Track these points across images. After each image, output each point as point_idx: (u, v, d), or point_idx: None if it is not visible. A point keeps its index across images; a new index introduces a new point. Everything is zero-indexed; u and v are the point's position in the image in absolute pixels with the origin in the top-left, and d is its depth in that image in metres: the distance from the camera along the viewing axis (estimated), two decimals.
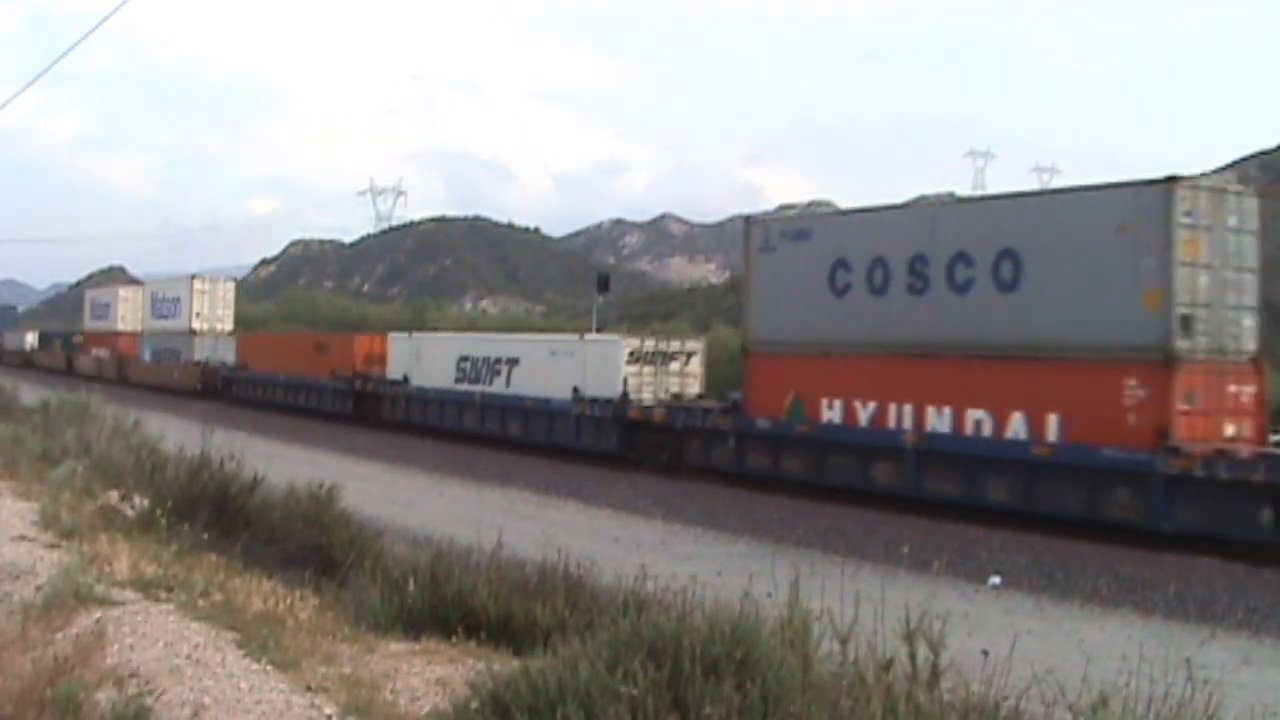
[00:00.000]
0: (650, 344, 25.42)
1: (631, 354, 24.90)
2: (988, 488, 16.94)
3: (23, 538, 10.29)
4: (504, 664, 5.87)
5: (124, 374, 52.47)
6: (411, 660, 6.58)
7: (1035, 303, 16.48)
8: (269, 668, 6.30)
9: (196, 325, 48.09)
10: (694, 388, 25.44)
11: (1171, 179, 15.24)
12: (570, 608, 7.12)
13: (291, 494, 11.59)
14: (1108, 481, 15.49)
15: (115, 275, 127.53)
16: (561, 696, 4.71)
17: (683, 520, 16.74)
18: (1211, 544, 14.42)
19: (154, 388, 46.73)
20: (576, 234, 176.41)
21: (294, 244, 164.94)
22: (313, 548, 10.60)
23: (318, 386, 36.62)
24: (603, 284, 35.37)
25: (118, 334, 55.74)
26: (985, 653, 4.73)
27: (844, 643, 5.14)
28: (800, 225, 21.67)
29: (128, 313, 55.96)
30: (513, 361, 28.00)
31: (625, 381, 24.46)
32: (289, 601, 8.27)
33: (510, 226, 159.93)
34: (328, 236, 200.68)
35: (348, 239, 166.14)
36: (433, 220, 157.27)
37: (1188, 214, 15.15)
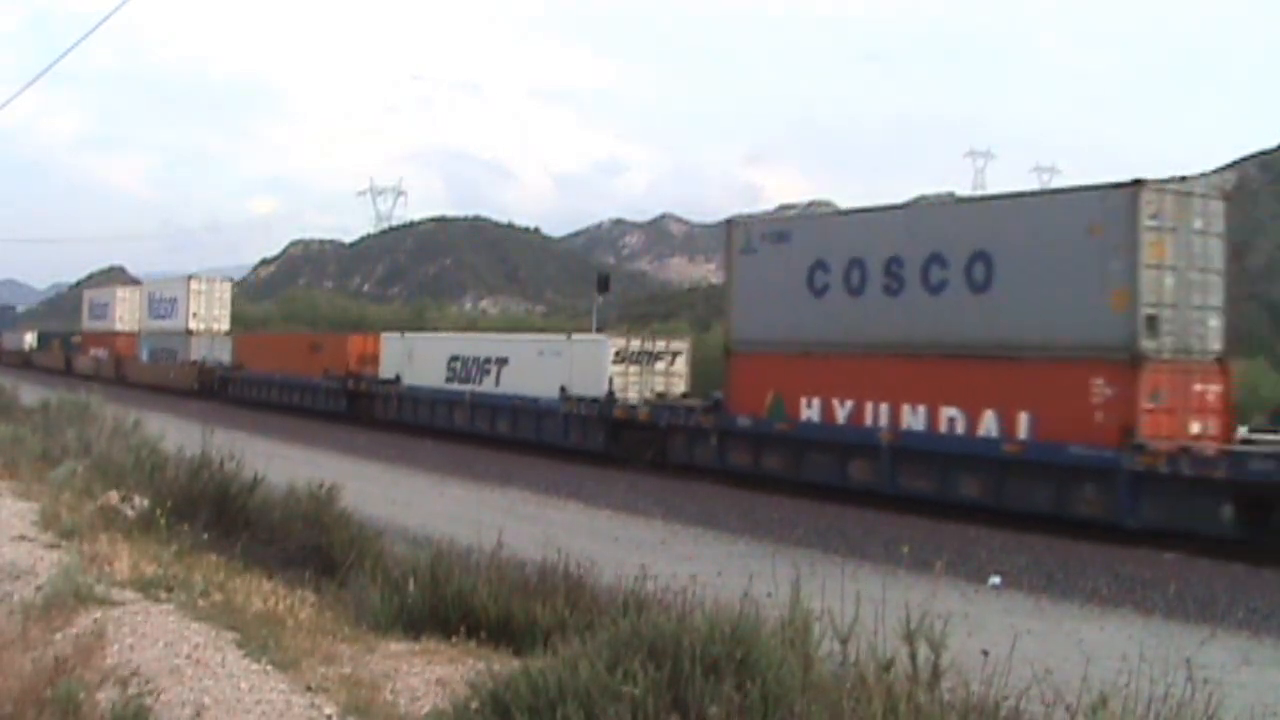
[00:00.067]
0: (636, 344, 25.84)
1: (617, 354, 25.37)
2: (960, 484, 17.31)
3: (23, 538, 10.29)
4: (504, 664, 5.87)
5: (122, 374, 52.67)
6: (411, 660, 6.58)
7: (1006, 303, 16.85)
8: (269, 668, 6.30)
9: (193, 325, 48.41)
10: (679, 386, 25.86)
11: (1137, 182, 15.54)
12: (570, 608, 7.12)
13: (291, 494, 11.58)
14: (1076, 478, 15.82)
15: (115, 275, 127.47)
16: (561, 696, 4.71)
17: (682, 520, 16.74)
18: (1213, 544, 14.45)
19: (151, 387, 46.89)
20: (576, 234, 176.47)
21: (294, 244, 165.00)
22: (313, 548, 10.58)
23: (312, 386, 36.93)
24: (603, 284, 35.40)
25: (115, 334, 55.98)
26: (985, 653, 4.72)
27: (844, 643, 5.14)
28: (780, 227, 22.06)
29: (125, 313, 56.23)
30: (502, 361, 28.45)
31: (611, 381, 24.89)
32: (289, 601, 8.28)
33: (510, 226, 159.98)
34: (328, 236, 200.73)
35: (348, 239, 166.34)
36: (433, 220, 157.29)
37: (1153, 217, 15.46)
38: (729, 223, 23.17)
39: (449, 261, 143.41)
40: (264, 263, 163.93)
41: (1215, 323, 16.35)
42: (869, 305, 18.83)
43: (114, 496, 12.31)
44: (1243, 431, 16.22)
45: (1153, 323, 15.48)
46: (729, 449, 21.29)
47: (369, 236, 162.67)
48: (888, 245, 18.64)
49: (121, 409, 20.64)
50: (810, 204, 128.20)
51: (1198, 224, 16.08)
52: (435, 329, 49.94)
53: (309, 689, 5.94)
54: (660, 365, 25.67)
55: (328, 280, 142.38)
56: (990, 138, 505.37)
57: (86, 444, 16.69)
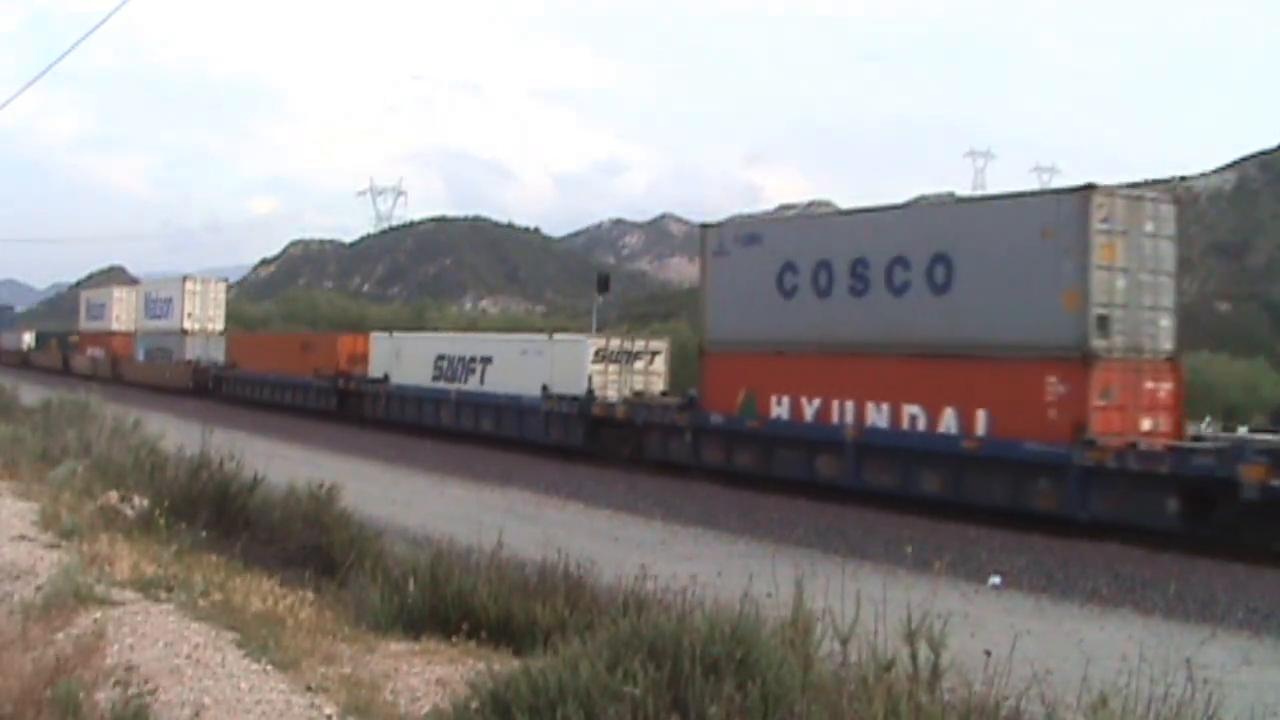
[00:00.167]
0: (615, 343, 26.45)
1: (597, 353, 25.94)
2: (921, 480, 17.83)
3: (23, 538, 10.28)
4: (504, 664, 5.86)
5: (118, 373, 53.01)
6: (411, 660, 6.57)
7: (965, 304, 17.32)
8: (269, 668, 6.30)
9: (188, 325, 48.85)
10: (658, 385, 26.33)
11: (1088, 187, 16.05)
12: (570, 608, 7.12)
13: (291, 494, 11.58)
14: (1030, 473, 16.29)
15: (115, 275, 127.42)
16: (562, 696, 4.71)
17: (682, 520, 16.73)
18: (1209, 544, 14.47)
19: (147, 386, 47.22)
20: (576, 234, 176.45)
21: (294, 244, 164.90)
22: (313, 548, 10.59)
23: (303, 385, 37.48)
24: (603, 284, 35.32)
25: (112, 334, 56.34)
26: (988, 653, 4.72)
27: (845, 643, 5.14)
28: (751, 230, 22.65)
29: (122, 313, 56.60)
30: (486, 360, 29.02)
31: (590, 379, 25.45)
32: (289, 601, 8.27)
33: (510, 226, 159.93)
34: (328, 236, 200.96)
35: (348, 239, 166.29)
36: (433, 220, 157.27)
37: (1104, 220, 15.90)
38: (703, 226, 23.62)
39: (449, 261, 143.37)
40: (264, 263, 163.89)
41: (1166, 323, 16.83)
42: (836, 306, 19.37)
43: (114, 496, 12.31)
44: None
45: (1104, 322, 15.91)
46: (703, 446, 21.86)
47: (369, 236, 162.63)
48: (854, 248, 19.19)
49: (121, 409, 20.64)
50: (810, 204, 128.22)
51: (1149, 227, 16.54)
52: (435, 329, 49.99)
53: (309, 689, 5.94)
54: (639, 364, 26.22)
55: (328, 280, 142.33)
56: (990, 138, 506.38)
57: (86, 444, 16.69)
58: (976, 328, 17.08)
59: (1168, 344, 16.84)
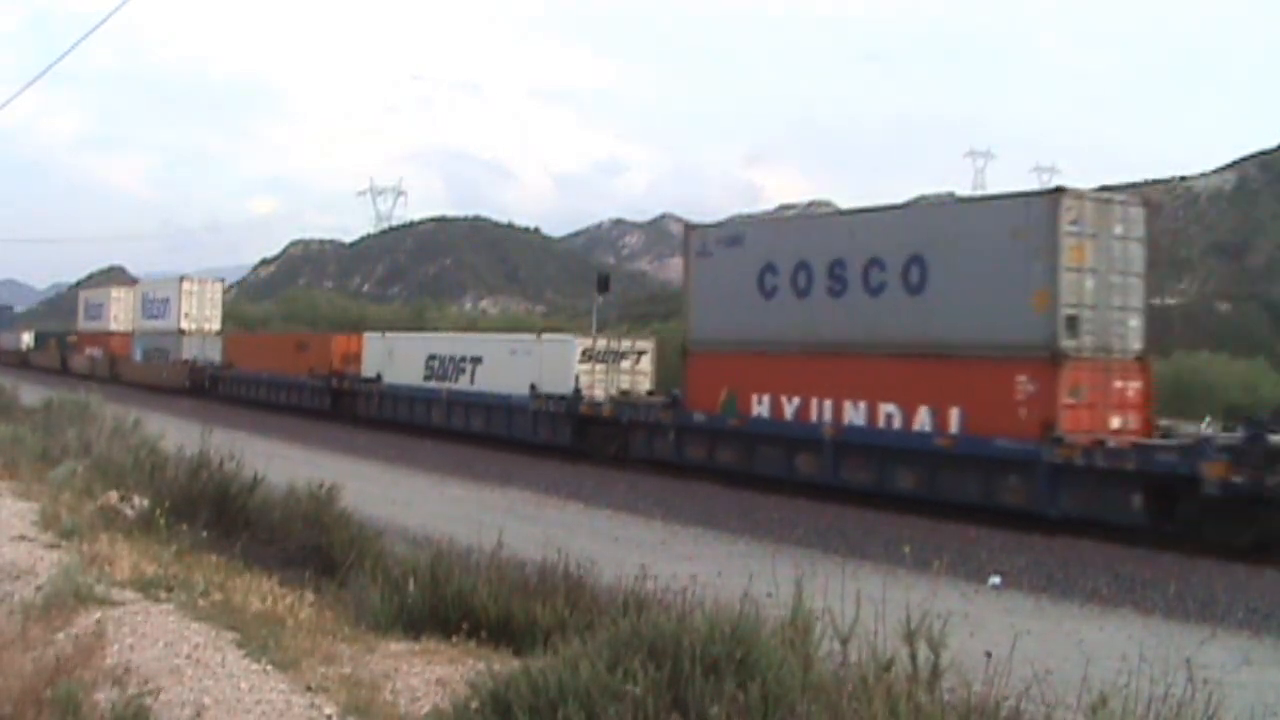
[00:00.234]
0: (602, 343, 26.74)
1: (584, 353, 26.28)
2: (897, 477, 18.21)
3: (23, 538, 10.29)
4: (504, 664, 5.86)
5: (116, 373, 53.18)
6: (411, 660, 6.57)
7: (939, 305, 17.67)
8: (269, 668, 6.30)
9: (185, 325, 49.06)
10: (645, 384, 26.67)
11: (1058, 190, 16.60)
12: (570, 608, 7.12)
13: (291, 494, 11.58)
14: (1001, 470, 16.67)
15: (115, 275, 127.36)
16: (562, 696, 4.71)
17: (682, 520, 16.73)
18: (1213, 543, 14.48)
19: (144, 386, 47.38)
20: (576, 234, 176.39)
21: (294, 244, 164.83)
22: (313, 548, 10.58)
23: (298, 384, 37.80)
24: (603, 284, 35.24)
25: (110, 334, 56.51)
26: (989, 654, 4.72)
27: (845, 643, 5.14)
28: (734, 231, 23.03)
29: (120, 313, 56.78)
30: (476, 360, 29.41)
31: (577, 379, 25.78)
32: (289, 601, 8.27)
33: (510, 226, 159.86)
34: (328, 236, 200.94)
35: (348, 239, 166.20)
36: (433, 220, 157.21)
37: (1073, 222, 16.24)
38: (687, 227, 24.05)
39: (449, 261, 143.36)
40: (264, 263, 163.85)
41: (1135, 323, 17.15)
42: (814, 307, 19.70)
43: (114, 496, 12.32)
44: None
45: (1072, 322, 16.24)
46: (686, 444, 22.25)
47: (369, 236, 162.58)
48: (832, 249, 19.53)
49: (120, 408, 20.64)
50: (810, 204, 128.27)
51: (1118, 229, 16.83)
52: (436, 329, 50.09)
53: (309, 689, 5.94)
54: (626, 364, 26.58)
55: (328, 280, 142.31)
56: (990, 138, 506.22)
57: (86, 444, 16.69)
58: (950, 328, 17.43)
59: (1137, 344, 17.16)
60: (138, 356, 52.44)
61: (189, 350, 47.35)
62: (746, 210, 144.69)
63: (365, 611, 7.90)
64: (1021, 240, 16.49)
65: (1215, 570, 13.37)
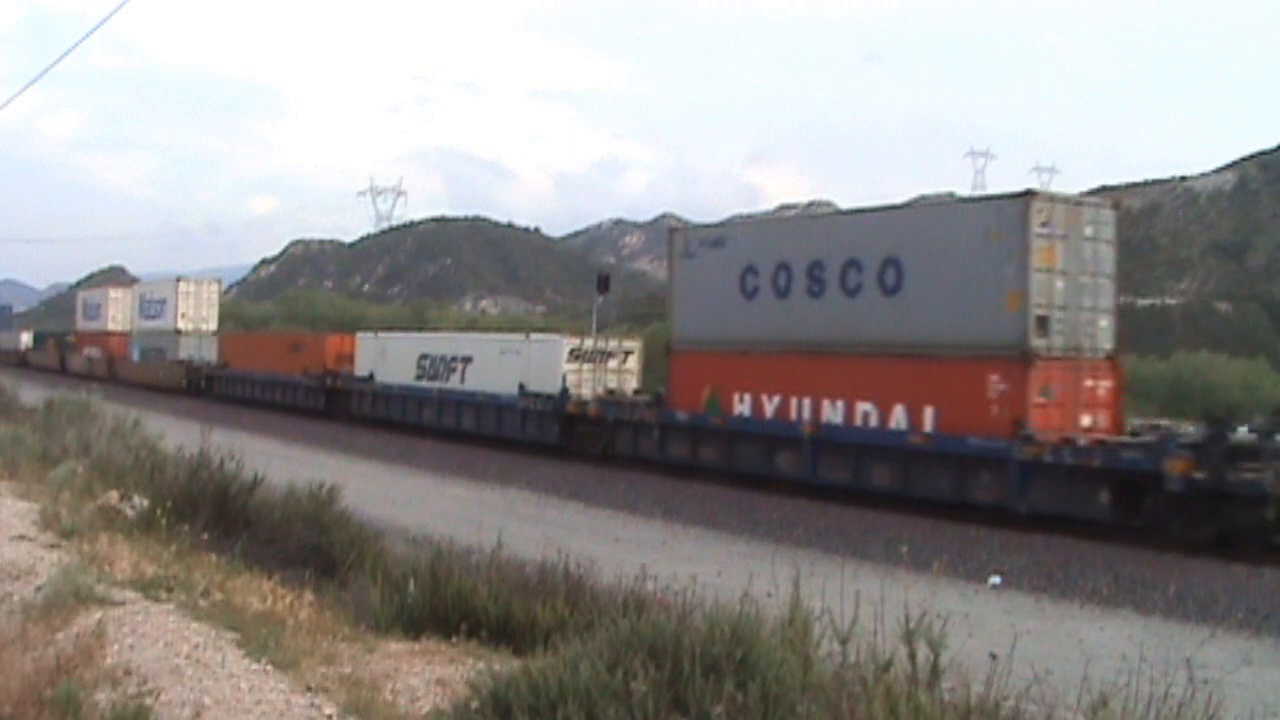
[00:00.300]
0: (589, 343, 27.07)
1: (572, 352, 26.64)
2: (873, 474, 18.58)
3: (23, 538, 10.28)
4: (504, 664, 5.86)
5: (114, 372, 53.35)
6: (411, 660, 6.57)
7: (914, 305, 18.02)
8: (269, 668, 6.30)
9: (182, 325, 49.31)
10: (631, 383, 27.03)
11: (1028, 193, 16.86)
12: (570, 608, 7.12)
13: (291, 494, 11.58)
14: (973, 467, 17.02)
15: (115, 275, 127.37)
16: (562, 696, 4.71)
17: (683, 520, 16.74)
18: (1216, 544, 14.51)
19: (142, 385, 47.56)
20: (576, 234, 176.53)
21: (294, 244, 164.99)
22: (313, 548, 10.59)
23: (292, 383, 38.10)
24: (603, 284, 35.27)
25: (108, 334, 56.68)
26: (993, 655, 4.72)
27: (844, 643, 5.14)
28: (716, 234, 23.34)
29: (118, 313, 56.97)
30: (466, 360, 29.77)
31: (564, 378, 26.12)
32: (289, 601, 8.28)
33: (510, 226, 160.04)
34: (328, 236, 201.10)
35: (348, 239, 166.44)
36: (433, 220, 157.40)
37: (1044, 225, 16.59)
38: (671, 230, 24.51)
39: (449, 261, 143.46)
40: (264, 263, 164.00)
41: (1106, 323, 17.50)
42: (794, 307, 20.02)
43: (114, 496, 12.31)
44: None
45: (1043, 323, 16.58)
46: (669, 442, 22.59)
47: (369, 236, 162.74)
48: (811, 251, 19.88)
49: (120, 408, 20.64)
50: (810, 204, 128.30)
51: (1088, 231, 17.16)
52: (436, 329, 50.20)
53: (309, 689, 5.94)
54: (613, 363, 26.90)
55: (328, 280, 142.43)
56: (990, 138, 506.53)
57: (86, 444, 16.68)
58: (924, 328, 17.76)
59: (1107, 343, 17.48)
60: (135, 356, 52.65)
61: (185, 350, 47.63)
62: (746, 210, 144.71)
63: (365, 611, 7.90)
64: (993, 242, 16.84)
65: (1215, 570, 13.37)
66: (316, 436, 29.26)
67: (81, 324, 62.08)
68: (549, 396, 26.14)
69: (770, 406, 20.33)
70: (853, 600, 5.15)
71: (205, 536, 10.51)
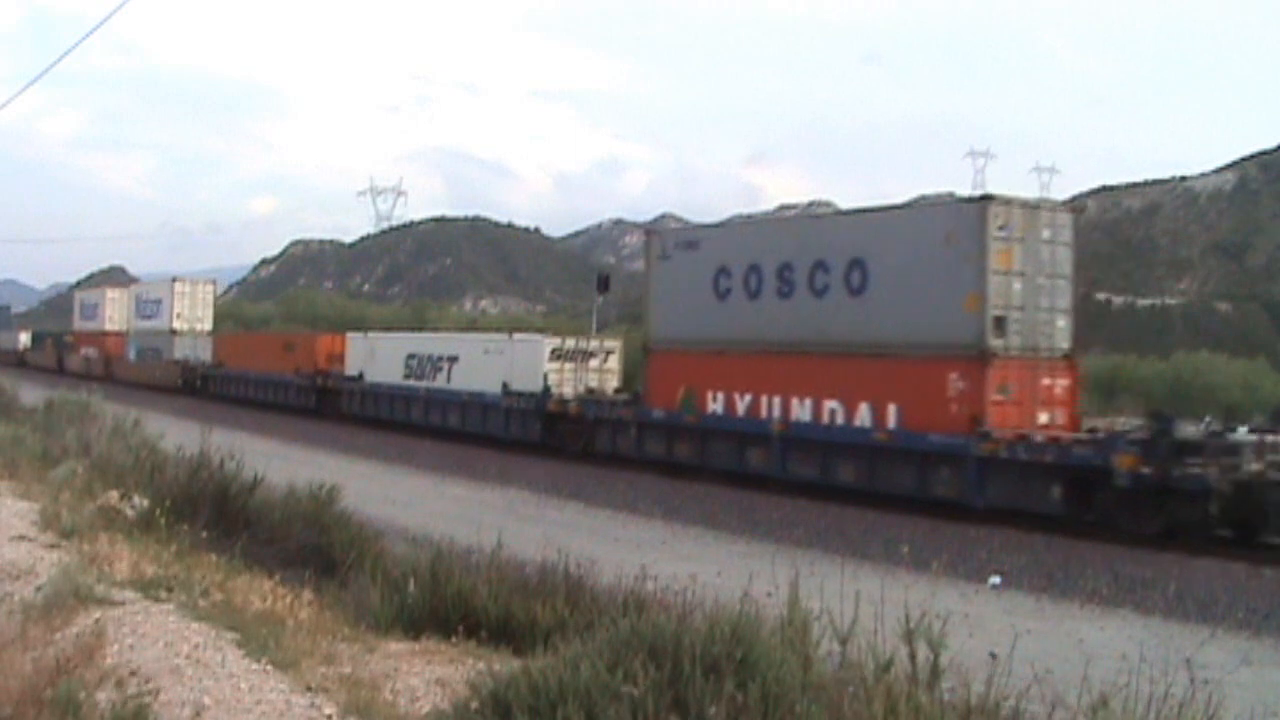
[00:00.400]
0: (571, 343, 27.78)
1: (553, 352, 27.35)
2: (839, 469, 19.15)
3: (23, 538, 10.28)
4: (504, 664, 5.86)
5: (111, 372, 53.66)
6: (411, 660, 6.57)
7: (878, 306, 18.55)
8: (269, 668, 6.30)
9: (177, 325, 49.74)
10: (612, 382, 27.58)
11: (986, 197, 17.54)
12: (570, 608, 7.12)
13: (291, 494, 11.59)
14: (934, 463, 17.59)
15: (115, 276, 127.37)
16: (562, 696, 4.70)
17: (683, 520, 16.74)
18: (1208, 544, 14.53)
19: (139, 385, 47.83)
20: (576, 234, 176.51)
21: (294, 244, 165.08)
22: (313, 548, 10.59)
23: (284, 383, 38.65)
24: (603, 284, 35.37)
25: (105, 334, 56.99)
26: (993, 655, 4.72)
27: (844, 643, 5.14)
28: (691, 236, 24.01)
29: (114, 313, 57.33)
30: (453, 359, 30.34)
31: (546, 377, 26.70)
32: (289, 601, 8.27)
33: (510, 226, 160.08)
34: (328, 236, 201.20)
35: (348, 239, 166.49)
36: (433, 220, 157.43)
37: (1001, 228, 17.07)
38: (648, 232, 25.33)
39: (449, 261, 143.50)
40: (264, 263, 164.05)
41: (1063, 323, 17.96)
42: (765, 308, 20.53)
43: (114, 496, 12.31)
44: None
45: (1000, 323, 17.05)
46: (646, 439, 23.12)
47: (369, 236, 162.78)
48: (781, 253, 20.37)
49: (119, 408, 20.64)
50: (810, 204, 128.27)
51: (1045, 234, 17.65)
52: (436, 329, 50.39)
53: (309, 689, 5.94)
54: (594, 363, 27.46)
55: (328, 280, 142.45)
56: (990, 138, 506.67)
57: (86, 444, 16.68)
58: (888, 328, 18.27)
59: (1064, 343, 17.93)
60: (132, 356, 52.99)
61: (181, 350, 48.01)
62: (746, 210, 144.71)
63: (365, 611, 7.90)
64: (953, 245, 17.31)
65: (1215, 570, 13.38)
66: (315, 436, 29.27)
67: (79, 324, 62.43)
68: (531, 395, 26.65)
69: (742, 405, 20.87)
70: (853, 600, 5.16)
71: (205, 536, 10.51)
